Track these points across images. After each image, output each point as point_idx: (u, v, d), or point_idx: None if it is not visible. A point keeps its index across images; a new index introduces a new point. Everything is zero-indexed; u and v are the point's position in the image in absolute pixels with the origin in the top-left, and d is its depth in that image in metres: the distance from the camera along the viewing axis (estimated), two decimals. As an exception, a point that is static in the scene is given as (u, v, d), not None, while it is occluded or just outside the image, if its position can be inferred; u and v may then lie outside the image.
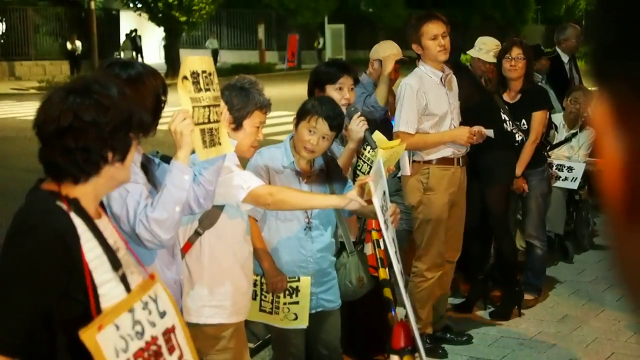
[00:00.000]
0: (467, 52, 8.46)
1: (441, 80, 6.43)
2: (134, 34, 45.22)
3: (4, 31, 39.01)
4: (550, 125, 8.29)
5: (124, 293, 3.03)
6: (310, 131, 4.98)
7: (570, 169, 8.82)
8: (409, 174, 6.50)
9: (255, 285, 4.98)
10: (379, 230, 5.10)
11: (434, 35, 6.28)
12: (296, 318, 5.15)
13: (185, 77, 3.75)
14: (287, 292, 5.12)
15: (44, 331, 2.90)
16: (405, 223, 6.90)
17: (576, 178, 8.80)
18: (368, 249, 5.59)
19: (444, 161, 6.48)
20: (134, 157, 3.82)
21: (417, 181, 6.48)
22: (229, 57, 46.34)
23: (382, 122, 6.73)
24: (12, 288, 2.92)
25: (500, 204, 7.34)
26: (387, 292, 5.39)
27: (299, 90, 5.81)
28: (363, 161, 5.67)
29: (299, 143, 5.04)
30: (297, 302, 5.13)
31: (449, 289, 7.05)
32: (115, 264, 3.06)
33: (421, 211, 6.49)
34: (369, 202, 4.31)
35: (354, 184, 4.92)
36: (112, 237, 3.15)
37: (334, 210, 5.19)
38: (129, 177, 3.22)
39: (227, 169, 4.24)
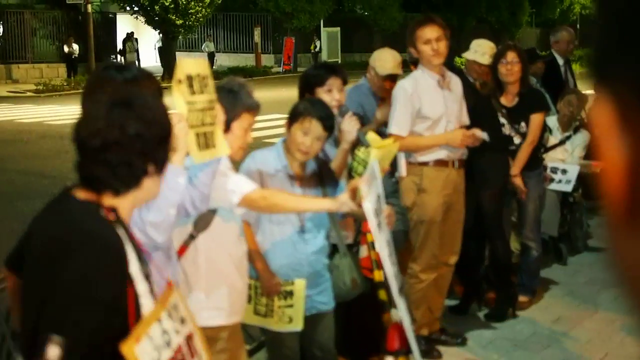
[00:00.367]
0: (462, 55, 8.49)
1: (438, 83, 6.46)
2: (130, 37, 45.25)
3: (1, 34, 38.97)
4: (544, 128, 8.32)
5: (152, 303, 3.04)
6: (304, 133, 4.99)
7: (564, 171, 8.85)
8: (404, 174, 6.53)
9: (249, 288, 4.98)
10: (374, 233, 5.13)
11: (428, 39, 6.31)
12: (291, 321, 5.14)
13: (179, 80, 3.77)
14: (281, 296, 5.11)
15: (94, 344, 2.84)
16: (402, 224, 6.93)
17: (570, 180, 8.82)
18: (363, 251, 5.61)
19: (439, 163, 6.51)
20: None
21: (412, 182, 6.51)
22: (225, 60, 46.34)
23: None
24: (80, 302, 2.83)
25: (493, 206, 7.37)
26: (382, 294, 5.43)
27: (295, 93, 5.82)
28: (357, 162, 5.66)
29: (292, 145, 5.04)
30: (291, 305, 5.12)
31: (446, 292, 7.06)
32: (147, 274, 3.06)
33: (415, 212, 6.52)
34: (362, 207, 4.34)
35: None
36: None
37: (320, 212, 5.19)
38: (159, 189, 3.23)
39: (221, 172, 4.25)
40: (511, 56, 7.45)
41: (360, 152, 5.58)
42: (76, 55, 38.76)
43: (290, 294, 5.11)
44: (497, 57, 7.58)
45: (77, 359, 2.77)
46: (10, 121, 23.60)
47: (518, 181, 7.52)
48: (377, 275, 5.42)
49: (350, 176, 5.61)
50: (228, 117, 4.45)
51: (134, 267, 2.96)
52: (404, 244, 6.93)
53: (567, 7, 61.94)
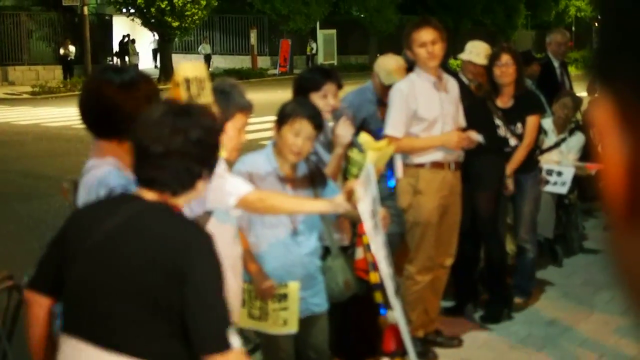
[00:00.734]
0: (458, 57, 8.50)
1: (435, 85, 6.47)
2: (126, 39, 45.25)
3: (-3, 36, 39.02)
4: (539, 130, 8.34)
5: None
6: (295, 134, 4.96)
7: (559, 173, 8.87)
8: (400, 176, 6.54)
9: (242, 292, 4.98)
10: (369, 235, 5.13)
11: (423, 42, 6.32)
12: (285, 323, 5.12)
13: (177, 83, 3.80)
14: (275, 299, 5.10)
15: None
16: (398, 226, 6.95)
17: (565, 182, 8.84)
18: (359, 252, 5.61)
19: (435, 165, 6.52)
20: (127, 162, 3.88)
21: (408, 184, 6.52)
22: (221, 62, 46.33)
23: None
24: (219, 295, 3.13)
25: (489, 208, 7.38)
26: (378, 295, 5.43)
27: (291, 96, 5.82)
28: (351, 164, 5.66)
29: (284, 147, 5.01)
30: (285, 308, 5.10)
31: (442, 293, 7.08)
32: None
33: (411, 214, 6.53)
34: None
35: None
36: None
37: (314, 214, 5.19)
38: (206, 190, 3.39)
39: (217, 174, 4.26)
40: (505, 58, 7.46)
41: (354, 154, 5.59)
42: (72, 57, 38.76)
43: (284, 296, 5.10)
44: (492, 59, 7.59)
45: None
46: (6, 123, 23.60)
47: (509, 181, 7.53)
48: (373, 277, 5.42)
49: (344, 178, 5.61)
50: (221, 118, 4.46)
51: None
52: (399, 246, 6.94)
53: (562, 10, 62.05)
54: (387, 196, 6.48)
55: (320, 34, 47.72)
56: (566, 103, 9.21)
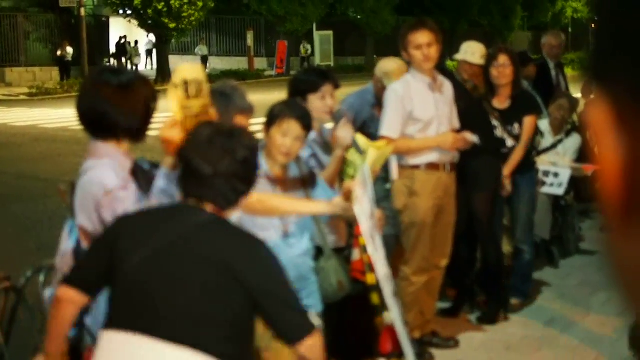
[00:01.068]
0: (453, 58, 8.50)
1: (430, 86, 6.48)
2: (123, 40, 45.24)
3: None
4: (536, 131, 8.35)
5: None
6: (283, 134, 4.92)
7: (556, 174, 8.88)
8: (396, 177, 6.55)
9: None
10: (366, 236, 5.14)
11: (419, 44, 6.33)
12: None
13: (176, 85, 3.81)
14: None
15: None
16: (393, 228, 6.95)
17: (562, 184, 8.85)
18: (355, 254, 5.62)
19: (431, 166, 6.53)
20: (124, 163, 3.89)
21: (403, 185, 6.53)
22: (218, 63, 46.33)
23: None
24: (288, 284, 3.46)
25: (485, 210, 7.39)
26: (375, 297, 5.43)
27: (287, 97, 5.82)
28: (347, 165, 5.66)
29: (273, 149, 4.99)
30: None
31: (438, 294, 7.09)
32: None
33: (406, 215, 6.54)
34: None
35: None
36: None
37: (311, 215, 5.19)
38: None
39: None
40: (503, 59, 7.46)
41: (350, 155, 5.58)
42: (69, 59, 38.75)
43: None
44: (489, 59, 7.59)
45: None
46: (3, 125, 23.59)
47: (506, 182, 7.53)
48: (370, 279, 5.42)
49: (340, 179, 5.61)
50: (221, 120, 4.46)
51: None
52: (395, 248, 6.95)
53: (559, 11, 62.08)
54: (383, 198, 6.49)
55: (317, 35, 47.70)
56: (562, 104, 9.22)
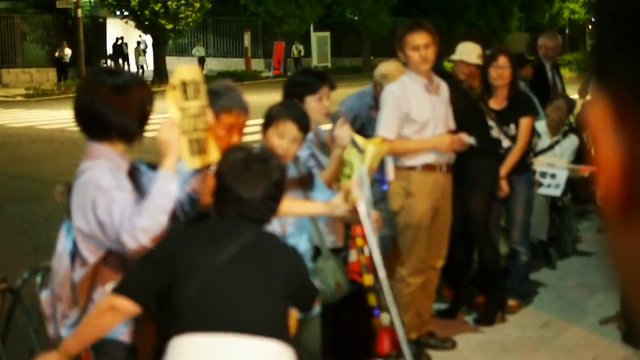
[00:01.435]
0: (449, 58, 8.50)
1: (426, 87, 6.48)
2: (120, 41, 45.21)
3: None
4: (533, 133, 8.35)
5: None
6: (279, 136, 4.92)
7: (553, 176, 8.88)
8: (392, 179, 6.55)
9: None
10: (364, 237, 5.13)
11: (416, 45, 6.32)
12: None
13: (174, 86, 3.80)
14: None
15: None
16: (390, 229, 6.95)
17: (559, 185, 8.85)
18: (353, 255, 5.61)
19: (427, 167, 6.52)
20: (120, 164, 3.88)
21: (399, 186, 6.53)
22: (215, 64, 46.32)
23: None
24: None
25: (482, 211, 7.38)
26: (372, 298, 5.43)
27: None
28: (344, 165, 5.65)
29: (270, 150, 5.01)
30: None
31: (434, 295, 7.09)
32: None
33: (403, 216, 6.53)
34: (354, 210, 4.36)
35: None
36: None
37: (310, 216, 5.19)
38: None
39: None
40: (502, 60, 7.46)
41: (347, 155, 5.58)
42: (67, 60, 38.73)
43: None
44: (489, 60, 7.59)
45: None
46: (0, 126, 23.57)
47: (503, 183, 7.53)
48: (367, 280, 5.43)
49: (336, 179, 5.61)
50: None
51: None
52: (391, 249, 6.95)
53: (556, 12, 62.10)
54: (379, 199, 6.49)
55: (314, 36, 47.72)
56: (559, 105, 9.22)
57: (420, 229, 6.51)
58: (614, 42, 0.73)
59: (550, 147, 9.24)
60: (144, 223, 3.57)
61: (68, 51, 38.64)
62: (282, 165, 3.90)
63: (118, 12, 38.59)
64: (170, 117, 3.77)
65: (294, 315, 4.08)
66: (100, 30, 45.25)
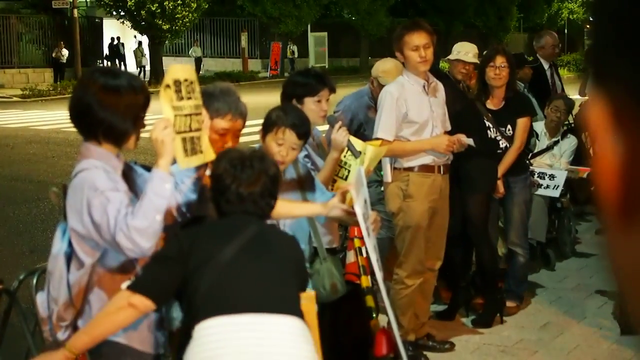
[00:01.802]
0: (446, 59, 8.48)
1: (424, 88, 6.46)
2: (116, 41, 45.22)
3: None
4: (531, 133, 8.32)
5: None
6: (278, 143, 4.90)
7: (552, 177, 8.86)
8: (390, 180, 6.53)
9: None
10: (361, 238, 5.10)
11: (415, 46, 6.30)
12: None
13: (167, 86, 3.77)
14: None
15: None
16: (387, 230, 6.91)
17: (558, 186, 8.84)
18: (350, 256, 5.59)
19: (425, 168, 6.50)
20: (115, 164, 3.85)
21: (397, 188, 6.51)
22: (212, 65, 46.36)
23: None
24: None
25: (480, 212, 7.36)
26: (369, 299, 5.41)
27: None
28: (340, 166, 5.63)
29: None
30: None
31: (431, 296, 7.07)
32: None
33: (401, 218, 6.51)
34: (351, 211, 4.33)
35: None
36: None
37: (307, 217, 5.16)
38: None
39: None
40: (500, 60, 7.43)
41: (343, 157, 5.56)
42: (64, 60, 38.74)
43: None
44: (486, 60, 7.56)
45: None
46: (-3, 126, 23.58)
47: (499, 184, 7.51)
48: (364, 281, 5.40)
49: (333, 181, 5.58)
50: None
51: None
52: (389, 251, 6.93)
53: (554, 12, 62.23)
54: (377, 201, 6.46)
55: (312, 36, 47.76)
56: (558, 106, 9.21)
57: (418, 230, 6.49)
58: (612, 42, 0.72)
59: (549, 147, 9.23)
60: (139, 224, 3.55)
61: (65, 52, 38.66)
62: (274, 161, 4.07)
63: (114, 13, 38.55)
64: (164, 117, 3.74)
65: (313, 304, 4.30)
66: (96, 31, 45.27)
